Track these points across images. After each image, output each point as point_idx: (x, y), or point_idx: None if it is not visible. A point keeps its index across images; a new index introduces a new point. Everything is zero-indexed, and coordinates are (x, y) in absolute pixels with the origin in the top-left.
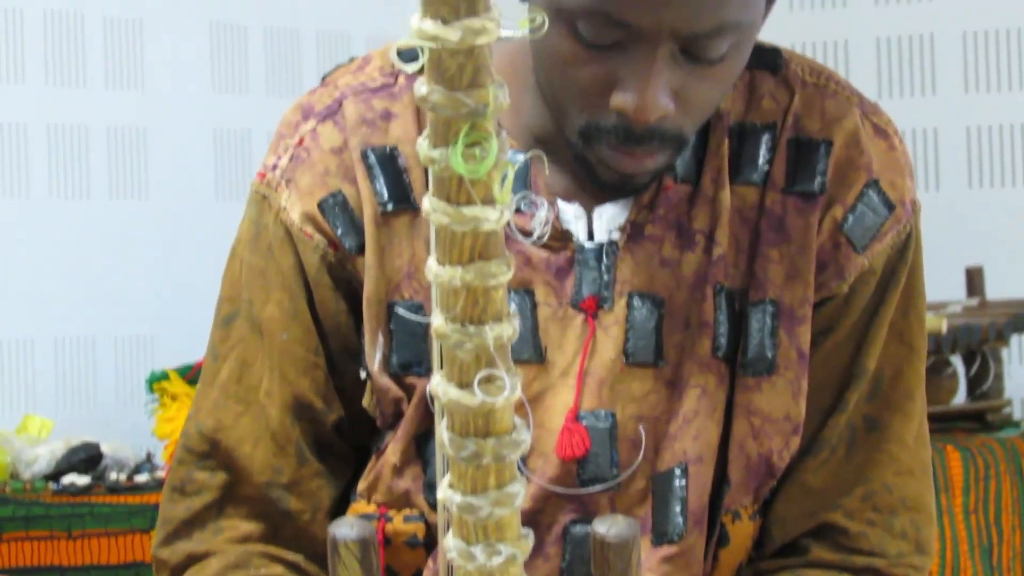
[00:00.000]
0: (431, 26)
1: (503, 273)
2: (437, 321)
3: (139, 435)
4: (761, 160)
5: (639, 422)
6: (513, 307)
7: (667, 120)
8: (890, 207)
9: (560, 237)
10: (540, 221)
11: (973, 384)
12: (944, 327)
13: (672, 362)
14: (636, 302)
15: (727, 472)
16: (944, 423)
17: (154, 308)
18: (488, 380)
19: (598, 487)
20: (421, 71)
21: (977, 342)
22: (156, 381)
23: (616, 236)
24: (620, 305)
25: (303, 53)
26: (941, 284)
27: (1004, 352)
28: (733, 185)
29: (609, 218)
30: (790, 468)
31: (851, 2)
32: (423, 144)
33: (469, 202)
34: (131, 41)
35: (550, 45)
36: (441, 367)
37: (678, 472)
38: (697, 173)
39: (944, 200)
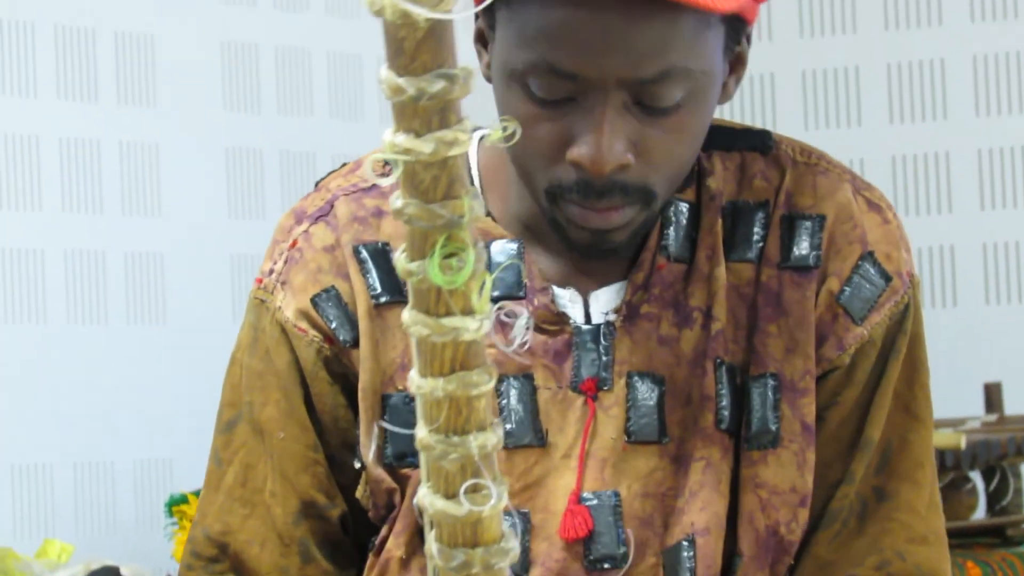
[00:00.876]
0: (404, 139)
1: (485, 383)
2: (421, 433)
3: (159, 558)
4: (755, 237)
5: (646, 499)
6: (513, 392)
7: (628, 172)
8: (887, 278)
9: (557, 321)
10: (520, 330)
11: (992, 500)
12: (963, 443)
13: (676, 438)
14: (636, 381)
15: (739, 545)
16: (964, 539)
17: (172, 431)
18: (474, 490)
19: (607, 567)
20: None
21: (996, 458)
22: (175, 504)
23: (612, 317)
24: (620, 385)
25: (319, 177)
26: (959, 400)
27: (1023, 467)
28: (728, 262)
29: (605, 301)
30: (803, 543)
31: (865, 121)
32: (400, 258)
33: (448, 313)
34: (147, 167)
35: (508, 109)
36: (428, 479)
37: (685, 544)
38: (691, 252)
39: (961, 316)
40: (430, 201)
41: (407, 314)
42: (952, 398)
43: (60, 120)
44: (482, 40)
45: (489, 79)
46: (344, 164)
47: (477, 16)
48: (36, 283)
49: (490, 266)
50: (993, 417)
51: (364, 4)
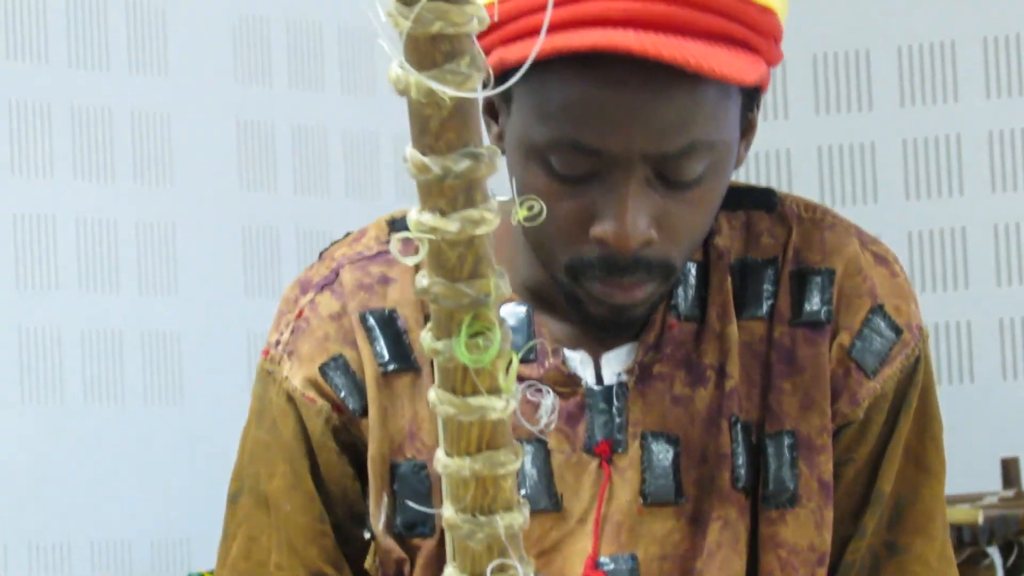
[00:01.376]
0: (429, 218)
1: (511, 462)
2: (447, 512)
3: None
4: (765, 294)
5: (664, 562)
6: (528, 456)
7: (651, 248)
8: (897, 331)
9: (568, 383)
10: (547, 410)
11: (1011, 575)
12: (980, 518)
13: (692, 498)
14: (650, 442)
15: None
16: None
17: (189, 511)
18: (501, 569)
19: None
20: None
21: (1014, 532)
22: None
23: (624, 378)
24: (634, 447)
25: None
26: (977, 475)
27: None
28: (740, 320)
29: (616, 362)
30: None
31: (882, 198)
32: (426, 337)
33: (475, 392)
34: (164, 246)
35: (528, 185)
36: (454, 558)
37: None
38: (701, 311)
39: (978, 392)
40: (456, 280)
41: (433, 393)
42: (969, 473)
43: (77, 200)
44: (491, 112)
45: (500, 150)
46: (348, 234)
47: (484, 85)
48: (54, 362)
49: None
50: (1011, 492)
51: (389, 82)
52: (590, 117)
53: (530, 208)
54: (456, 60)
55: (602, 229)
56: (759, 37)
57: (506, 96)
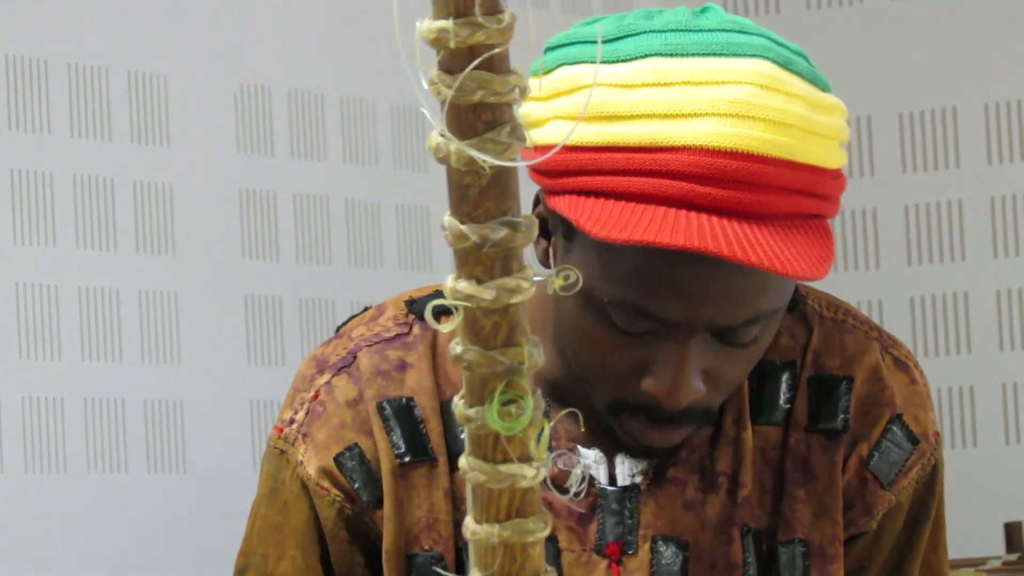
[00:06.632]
0: (465, 286)
1: (540, 529)
2: None
3: None
4: (782, 399)
5: None
6: None
7: (698, 399)
8: (915, 441)
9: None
10: (576, 478)
11: None
12: None
13: None
14: (660, 546)
15: None
16: None
17: None
18: None
19: None
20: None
21: None
22: None
23: (638, 480)
24: (644, 550)
25: (338, 323)
26: (980, 540)
27: None
28: (755, 425)
29: (630, 463)
30: None
31: (884, 264)
32: (459, 403)
33: (506, 460)
34: (166, 314)
35: (579, 327)
36: None
37: None
38: (717, 415)
39: (981, 457)
40: (490, 348)
41: (464, 459)
42: (973, 538)
43: (79, 269)
44: (542, 228)
45: (544, 264)
46: (366, 309)
47: (538, 200)
48: (55, 431)
49: None
50: (1014, 556)
51: (429, 151)
52: (661, 290)
53: (566, 278)
54: (497, 129)
55: (655, 385)
56: (830, 203)
57: (569, 233)
